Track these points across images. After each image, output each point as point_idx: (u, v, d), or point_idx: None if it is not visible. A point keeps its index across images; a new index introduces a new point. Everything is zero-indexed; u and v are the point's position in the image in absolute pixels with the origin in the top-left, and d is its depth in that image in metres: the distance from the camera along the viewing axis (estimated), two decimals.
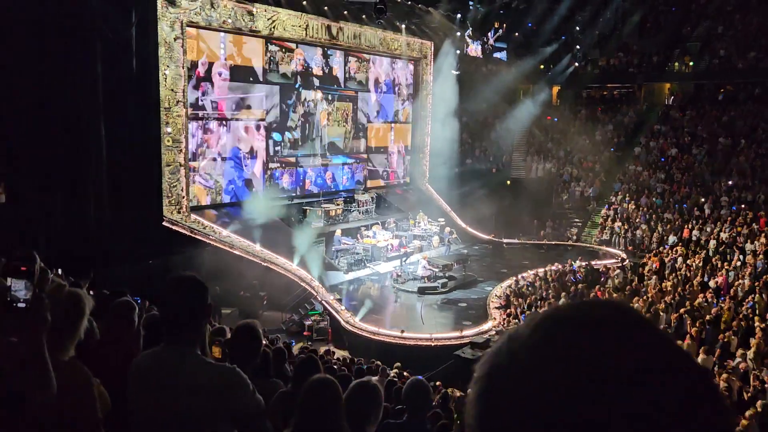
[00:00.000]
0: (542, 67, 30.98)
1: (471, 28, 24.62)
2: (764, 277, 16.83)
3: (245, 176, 20.09)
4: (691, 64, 30.08)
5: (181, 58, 16.99)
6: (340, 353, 14.41)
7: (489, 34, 24.33)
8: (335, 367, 8.10)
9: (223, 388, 2.16)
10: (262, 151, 20.53)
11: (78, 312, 2.25)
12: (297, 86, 21.43)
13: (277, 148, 21.06)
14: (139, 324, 3.48)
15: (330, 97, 22.84)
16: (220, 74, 18.78)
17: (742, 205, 22.55)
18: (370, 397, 2.63)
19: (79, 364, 2.25)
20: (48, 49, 14.36)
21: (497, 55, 27.10)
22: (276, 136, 20.90)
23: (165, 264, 15.21)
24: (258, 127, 20.29)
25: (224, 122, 19.22)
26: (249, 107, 19.92)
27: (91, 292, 6.73)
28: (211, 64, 18.52)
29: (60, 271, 9.81)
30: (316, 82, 22.16)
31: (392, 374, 9.46)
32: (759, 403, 9.20)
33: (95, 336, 3.62)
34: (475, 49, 25.38)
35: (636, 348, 0.56)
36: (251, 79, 19.89)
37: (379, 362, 11.28)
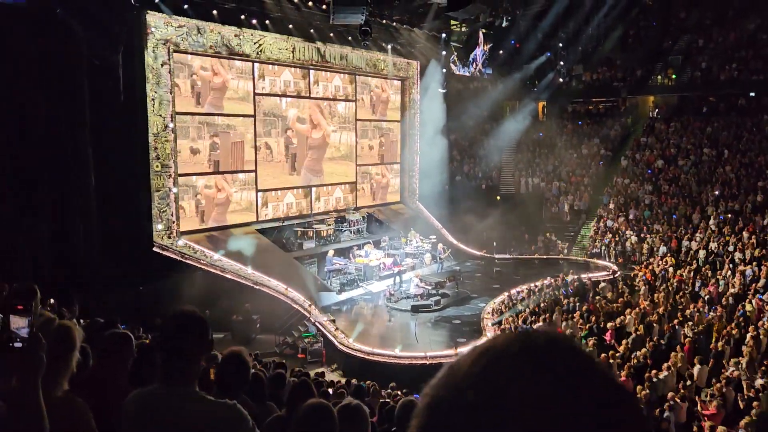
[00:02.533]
0: (527, 83, 31.38)
1: (456, 53, 24.90)
2: (753, 285, 16.97)
3: None
4: (673, 76, 30.56)
5: (169, 83, 17.06)
6: (334, 375, 14.33)
7: (477, 54, 24.56)
8: (329, 390, 8.04)
9: (227, 426, 2.14)
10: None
11: (69, 346, 2.21)
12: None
13: None
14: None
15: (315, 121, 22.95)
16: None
17: (729, 215, 22.78)
18: (355, 418, 2.64)
19: (75, 399, 2.19)
20: (35, 77, 14.40)
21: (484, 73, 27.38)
22: None
23: (156, 290, 15.11)
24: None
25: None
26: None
27: (82, 321, 6.68)
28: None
29: (53, 300, 9.73)
30: (300, 103, 22.29)
31: (385, 394, 9.40)
32: (753, 411, 9.22)
33: (88, 365, 3.59)
34: (461, 72, 25.69)
35: (571, 380, 0.58)
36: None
37: (374, 383, 11.21)
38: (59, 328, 2.22)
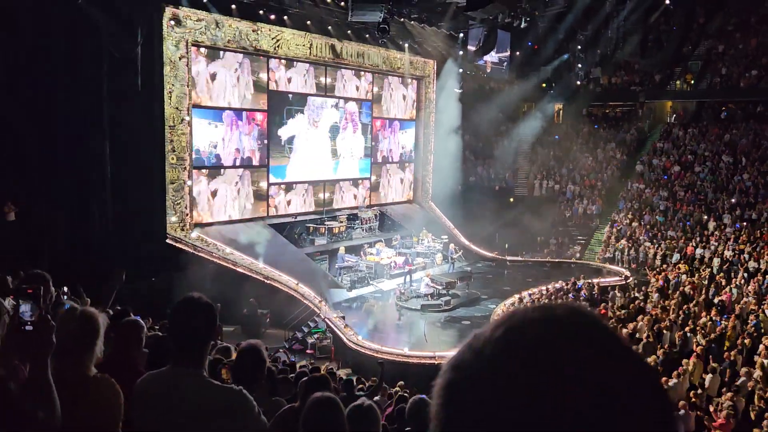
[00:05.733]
0: (544, 85, 31.19)
1: (472, 52, 24.78)
2: None
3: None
4: (692, 82, 30.25)
5: (186, 76, 17.16)
6: (342, 371, 14.34)
7: (492, 52, 24.38)
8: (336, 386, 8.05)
9: (232, 411, 2.18)
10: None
11: (91, 332, 2.31)
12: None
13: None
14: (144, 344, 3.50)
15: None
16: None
17: (745, 223, 22.53)
18: (367, 418, 2.65)
19: (110, 381, 2.30)
20: (55, 69, 14.56)
21: (500, 73, 27.22)
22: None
23: (168, 281, 15.21)
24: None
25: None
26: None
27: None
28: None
29: (66, 289, 9.82)
30: (316, 101, 22.33)
31: (392, 392, 9.40)
32: (765, 423, 9.12)
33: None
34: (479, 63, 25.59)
35: (588, 346, 0.61)
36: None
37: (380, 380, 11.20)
38: (82, 316, 2.31)
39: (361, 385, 9.50)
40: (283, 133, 21.06)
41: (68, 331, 2.27)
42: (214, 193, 19.01)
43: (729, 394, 10.41)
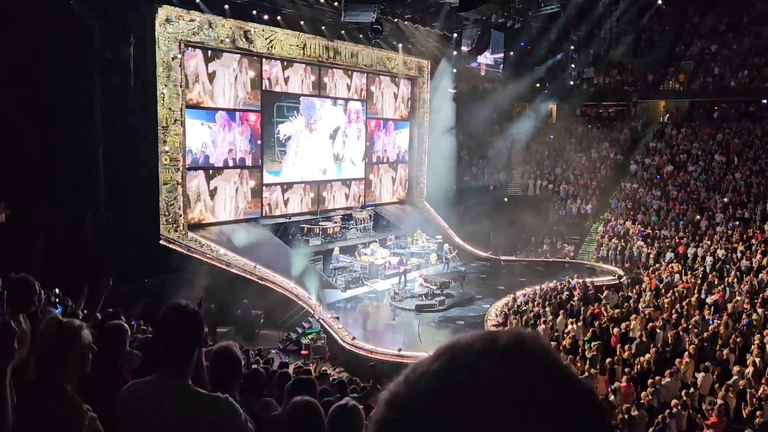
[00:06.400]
0: (538, 85, 31.25)
1: (466, 52, 24.81)
2: (761, 294, 16.84)
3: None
4: (685, 82, 30.37)
5: (179, 77, 17.11)
6: (336, 373, 14.33)
7: (486, 53, 24.39)
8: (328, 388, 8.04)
9: (218, 419, 2.16)
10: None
11: (69, 344, 2.25)
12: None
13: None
14: (130, 348, 3.47)
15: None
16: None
17: (737, 222, 22.64)
18: (351, 419, 2.65)
19: (74, 399, 2.24)
20: (48, 70, 14.49)
21: (494, 73, 27.25)
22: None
23: (162, 283, 15.16)
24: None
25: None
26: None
27: (85, 311, 6.72)
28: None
29: (57, 290, 9.78)
30: (312, 102, 22.30)
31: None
32: (757, 420, 9.17)
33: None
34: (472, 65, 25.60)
35: (531, 375, 0.58)
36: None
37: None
38: (61, 327, 2.26)
39: (354, 386, 9.50)
40: (279, 134, 21.03)
41: (47, 340, 2.25)
42: (213, 193, 18.99)
43: (721, 393, 10.47)
